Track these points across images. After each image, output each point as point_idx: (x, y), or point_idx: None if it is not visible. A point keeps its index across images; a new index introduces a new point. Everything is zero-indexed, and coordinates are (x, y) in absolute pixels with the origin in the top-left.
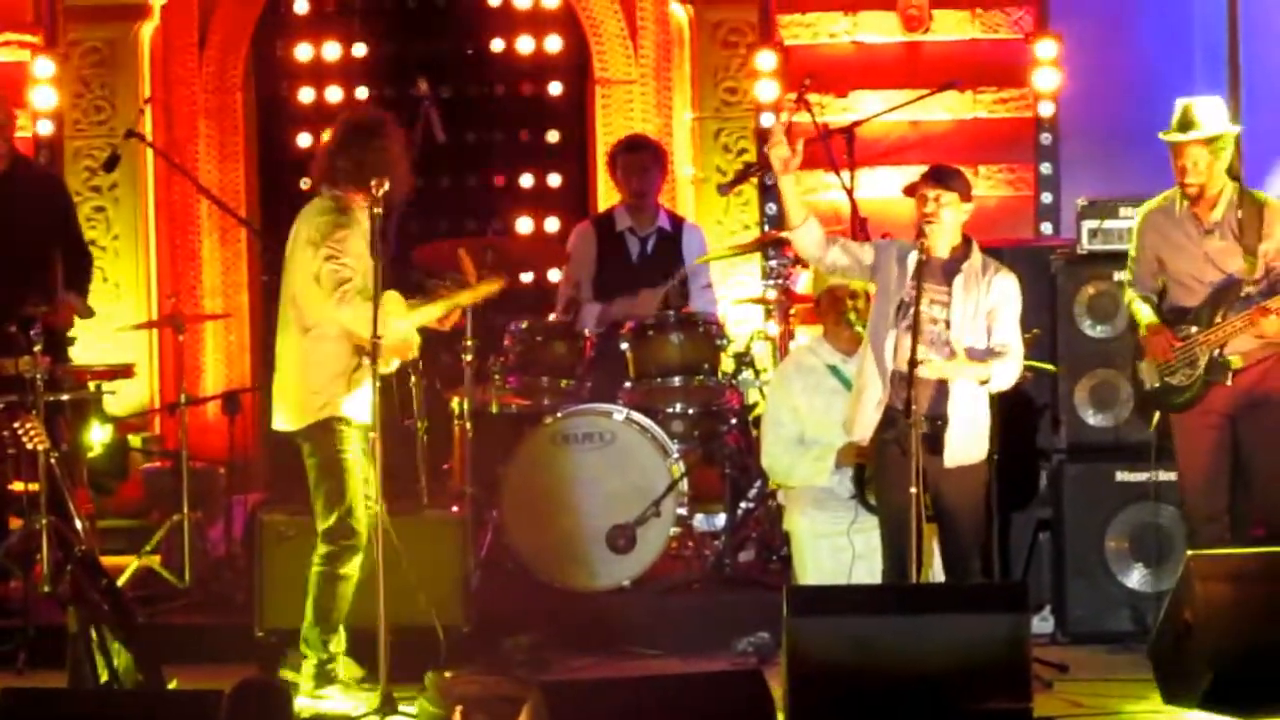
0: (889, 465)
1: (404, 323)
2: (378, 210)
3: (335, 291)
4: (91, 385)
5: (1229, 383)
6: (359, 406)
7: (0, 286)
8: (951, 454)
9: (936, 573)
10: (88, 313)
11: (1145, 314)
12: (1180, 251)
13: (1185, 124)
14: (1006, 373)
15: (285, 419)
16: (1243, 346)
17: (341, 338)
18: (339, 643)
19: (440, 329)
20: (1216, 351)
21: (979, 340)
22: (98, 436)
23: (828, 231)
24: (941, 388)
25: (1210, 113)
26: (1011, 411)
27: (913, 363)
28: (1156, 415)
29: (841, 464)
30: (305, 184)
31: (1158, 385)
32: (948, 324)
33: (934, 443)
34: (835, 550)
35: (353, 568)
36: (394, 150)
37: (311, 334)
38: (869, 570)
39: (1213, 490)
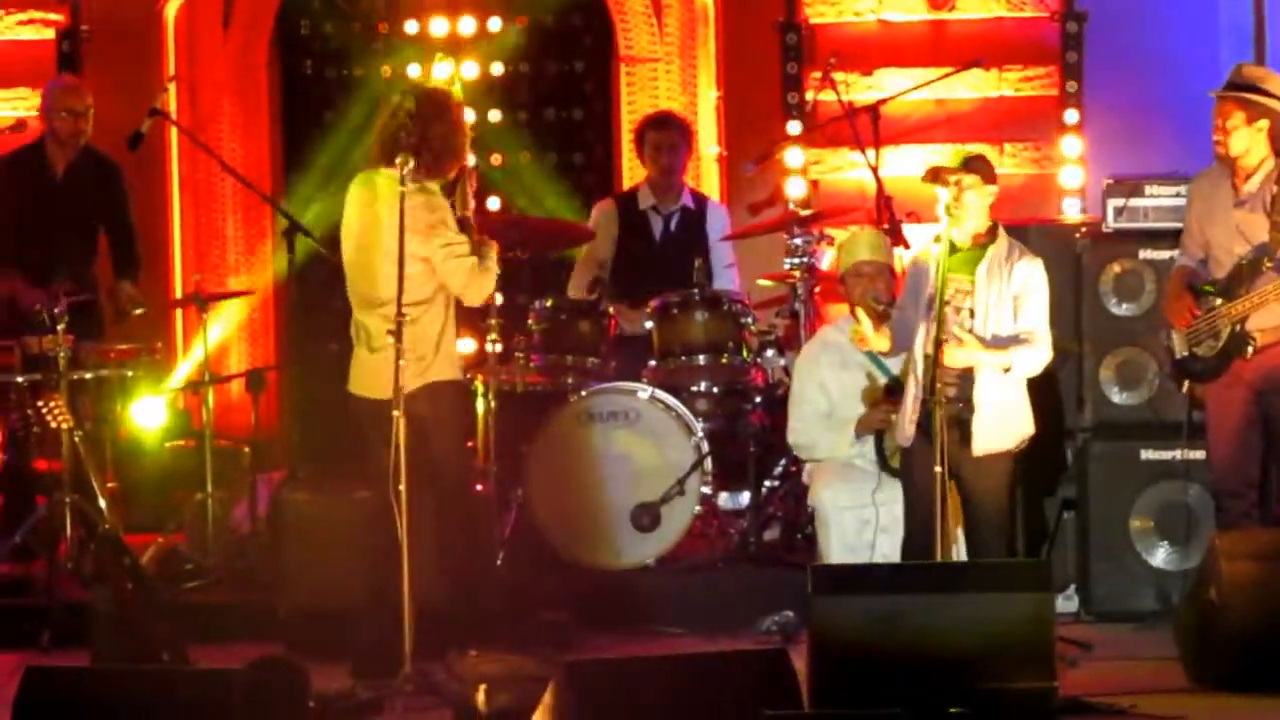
0: (915, 449)
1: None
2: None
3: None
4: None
5: (1247, 357)
6: None
7: (63, 271)
8: (979, 441)
9: (961, 553)
10: (140, 302)
11: (1173, 280)
12: (1214, 221)
13: (1228, 81)
14: (1031, 359)
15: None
16: (1268, 322)
17: None
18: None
19: None
20: (1238, 326)
21: (1006, 328)
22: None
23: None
24: (968, 374)
25: (1256, 76)
26: (1037, 390)
27: (937, 342)
28: (1186, 384)
29: (861, 432)
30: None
31: (1185, 354)
32: (971, 313)
33: (960, 428)
34: (859, 523)
35: None
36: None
37: None
38: (892, 543)
39: (1241, 464)
